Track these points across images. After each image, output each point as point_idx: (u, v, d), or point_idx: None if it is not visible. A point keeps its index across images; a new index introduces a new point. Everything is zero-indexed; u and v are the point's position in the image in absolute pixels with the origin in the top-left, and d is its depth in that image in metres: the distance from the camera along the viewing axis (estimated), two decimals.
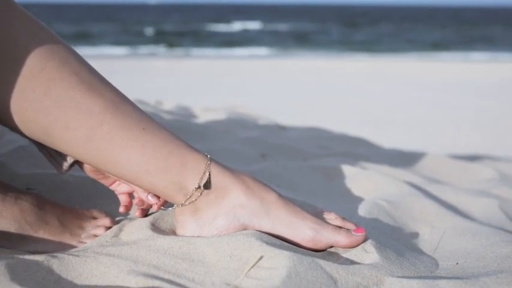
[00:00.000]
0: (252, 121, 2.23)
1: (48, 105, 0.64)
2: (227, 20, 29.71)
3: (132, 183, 0.69)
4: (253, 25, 25.33)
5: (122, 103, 0.68)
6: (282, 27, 25.32)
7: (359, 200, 1.01)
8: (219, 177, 0.69)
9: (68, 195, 0.89)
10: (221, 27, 24.19)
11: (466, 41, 17.64)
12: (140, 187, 0.70)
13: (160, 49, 14.08)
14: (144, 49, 13.76)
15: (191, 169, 0.68)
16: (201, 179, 0.68)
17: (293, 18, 35.98)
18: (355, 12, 50.78)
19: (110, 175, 0.75)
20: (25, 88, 0.63)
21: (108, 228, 0.76)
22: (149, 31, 20.81)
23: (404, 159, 1.58)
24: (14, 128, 0.67)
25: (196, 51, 13.74)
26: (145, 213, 0.79)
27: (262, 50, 14.41)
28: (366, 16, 40.05)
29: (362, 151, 1.63)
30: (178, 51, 13.64)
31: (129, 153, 0.66)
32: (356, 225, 0.71)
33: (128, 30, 20.70)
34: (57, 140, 0.66)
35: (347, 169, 1.19)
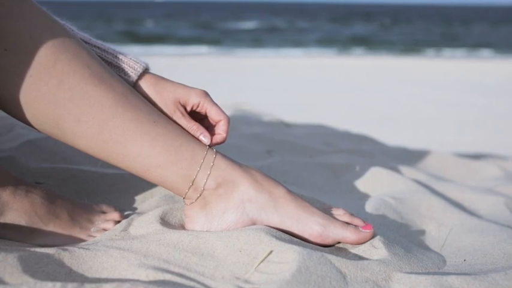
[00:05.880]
0: (256, 118, 2.23)
1: (61, 97, 0.64)
2: (231, 19, 29.68)
3: (141, 176, 0.70)
4: (267, 24, 25.26)
5: (133, 97, 0.68)
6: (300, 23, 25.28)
7: (366, 196, 1.01)
8: (228, 171, 0.70)
9: (77, 189, 0.89)
10: (224, 26, 24.16)
11: (471, 39, 17.58)
12: (150, 180, 0.70)
13: (164, 47, 14.08)
14: (147, 47, 13.75)
15: (201, 163, 0.68)
16: (211, 173, 0.69)
17: (292, 16, 35.93)
18: (359, 11, 50.70)
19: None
20: (38, 80, 0.64)
21: (117, 222, 0.77)
22: (153, 28, 20.81)
23: (409, 156, 1.58)
24: (25, 121, 0.67)
25: (200, 48, 13.73)
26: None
27: (265, 49, 14.39)
28: (371, 14, 39.97)
29: (367, 148, 1.62)
30: (182, 49, 13.63)
31: (141, 146, 0.67)
32: (364, 222, 0.71)
33: (131, 27, 20.70)
34: (68, 133, 0.66)
35: (353, 166, 1.20)
